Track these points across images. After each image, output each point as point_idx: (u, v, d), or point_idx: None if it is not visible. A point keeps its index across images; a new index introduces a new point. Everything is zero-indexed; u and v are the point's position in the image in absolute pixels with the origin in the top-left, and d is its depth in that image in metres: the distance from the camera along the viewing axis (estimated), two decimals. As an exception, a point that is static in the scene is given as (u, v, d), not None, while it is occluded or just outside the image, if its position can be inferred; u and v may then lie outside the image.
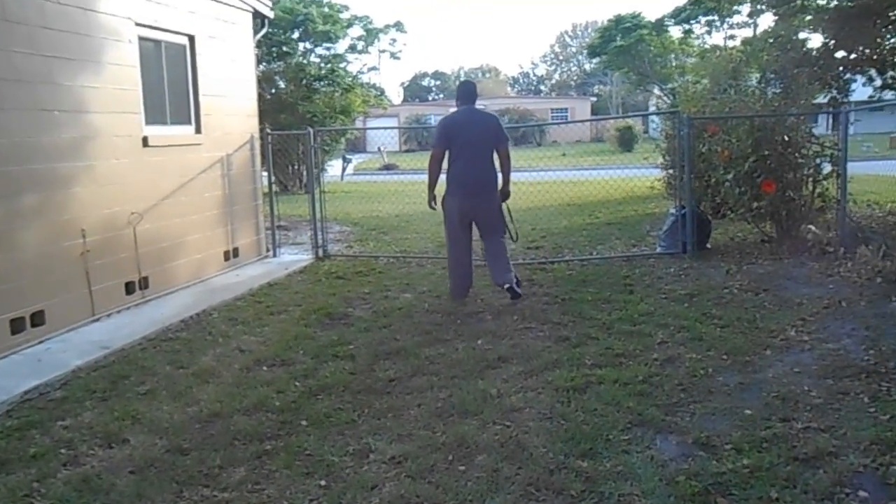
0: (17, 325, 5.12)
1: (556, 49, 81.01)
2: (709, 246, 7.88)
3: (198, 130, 7.30)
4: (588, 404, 3.84)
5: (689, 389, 4.02)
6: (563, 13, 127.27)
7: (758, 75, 9.74)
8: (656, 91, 19.84)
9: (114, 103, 6.03)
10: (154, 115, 6.66)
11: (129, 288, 6.27)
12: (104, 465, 3.41)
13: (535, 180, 10.99)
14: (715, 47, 12.73)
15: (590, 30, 76.76)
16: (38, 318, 5.29)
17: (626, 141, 32.42)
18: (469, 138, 5.94)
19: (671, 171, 10.89)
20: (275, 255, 8.66)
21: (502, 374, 4.40)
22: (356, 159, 31.97)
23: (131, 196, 6.25)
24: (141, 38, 6.46)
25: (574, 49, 79.40)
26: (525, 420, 3.70)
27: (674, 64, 16.55)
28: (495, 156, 6.05)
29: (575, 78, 75.99)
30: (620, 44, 15.81)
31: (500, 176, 6.10)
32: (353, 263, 8.17)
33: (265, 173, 9.16)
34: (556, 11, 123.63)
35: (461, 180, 5.98)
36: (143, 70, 6.46)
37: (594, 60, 19.20)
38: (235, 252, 7.97)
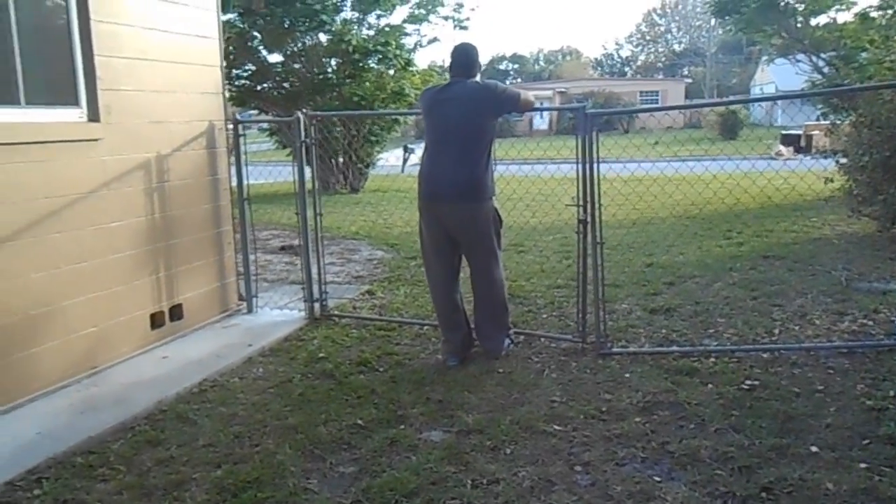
0: None
1: (644, 28, 75.27)
2: None
3: (93, 116, 4.27)
4: None
5: None
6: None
7: None
8: (779, 58, 15.77)
9: None
10: (-17, 87, 3.67)
11: (-90, 416, 3.32)
12: None
13: (627, 175, 7.39)
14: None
15: (680, 6, 71.10)
16: None
17: (730, 127, 28.49)
18: (442, 120, 4.32)
19: (860, 178, 7.27)
20: (250, 310, 5.60)
21: None
22: (420, 149, 28.97)
23: None
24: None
25: (663, 28, 73.75)
26: None
27: (823, 23, 12.67)
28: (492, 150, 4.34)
29: (663, 59, 70.40)
30: (765, -5, 12.08)
31: (490, 177, 4.30)
32: (363, 334, 5.00)
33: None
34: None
35: (426, 179, 4.36)
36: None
37: (723, 20, 15.24)
38: (175, 313, 4.93)
